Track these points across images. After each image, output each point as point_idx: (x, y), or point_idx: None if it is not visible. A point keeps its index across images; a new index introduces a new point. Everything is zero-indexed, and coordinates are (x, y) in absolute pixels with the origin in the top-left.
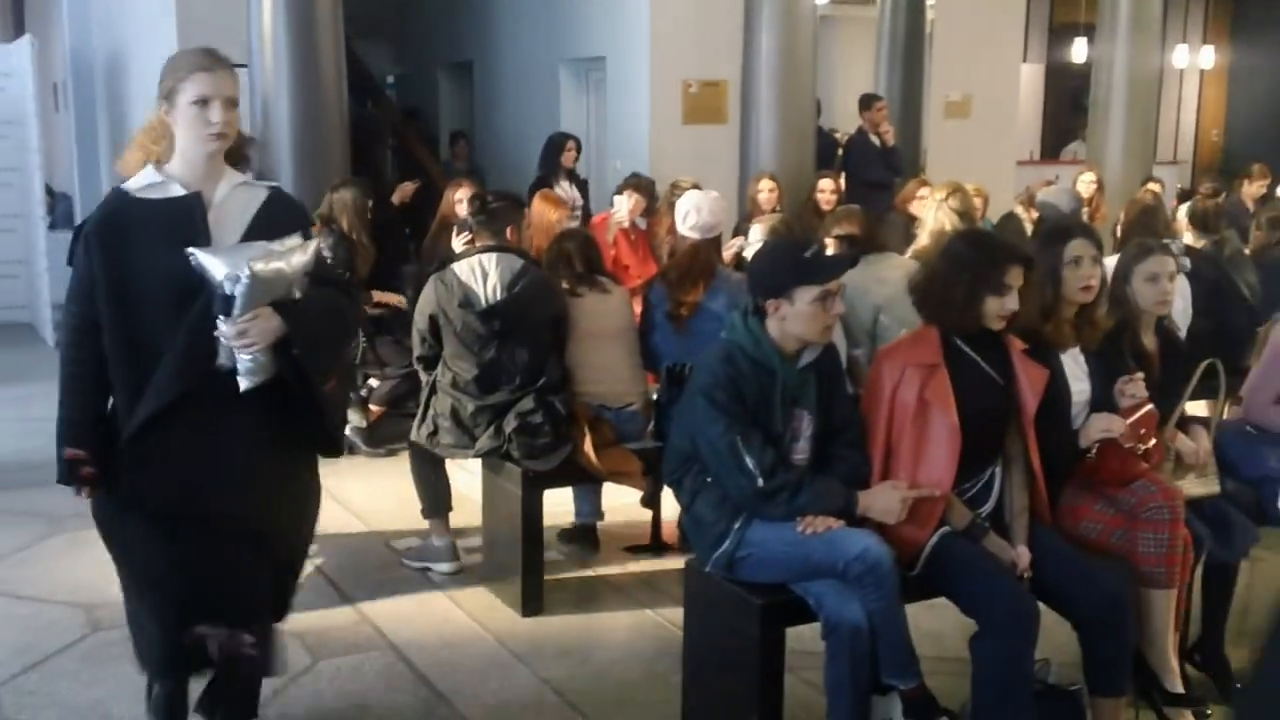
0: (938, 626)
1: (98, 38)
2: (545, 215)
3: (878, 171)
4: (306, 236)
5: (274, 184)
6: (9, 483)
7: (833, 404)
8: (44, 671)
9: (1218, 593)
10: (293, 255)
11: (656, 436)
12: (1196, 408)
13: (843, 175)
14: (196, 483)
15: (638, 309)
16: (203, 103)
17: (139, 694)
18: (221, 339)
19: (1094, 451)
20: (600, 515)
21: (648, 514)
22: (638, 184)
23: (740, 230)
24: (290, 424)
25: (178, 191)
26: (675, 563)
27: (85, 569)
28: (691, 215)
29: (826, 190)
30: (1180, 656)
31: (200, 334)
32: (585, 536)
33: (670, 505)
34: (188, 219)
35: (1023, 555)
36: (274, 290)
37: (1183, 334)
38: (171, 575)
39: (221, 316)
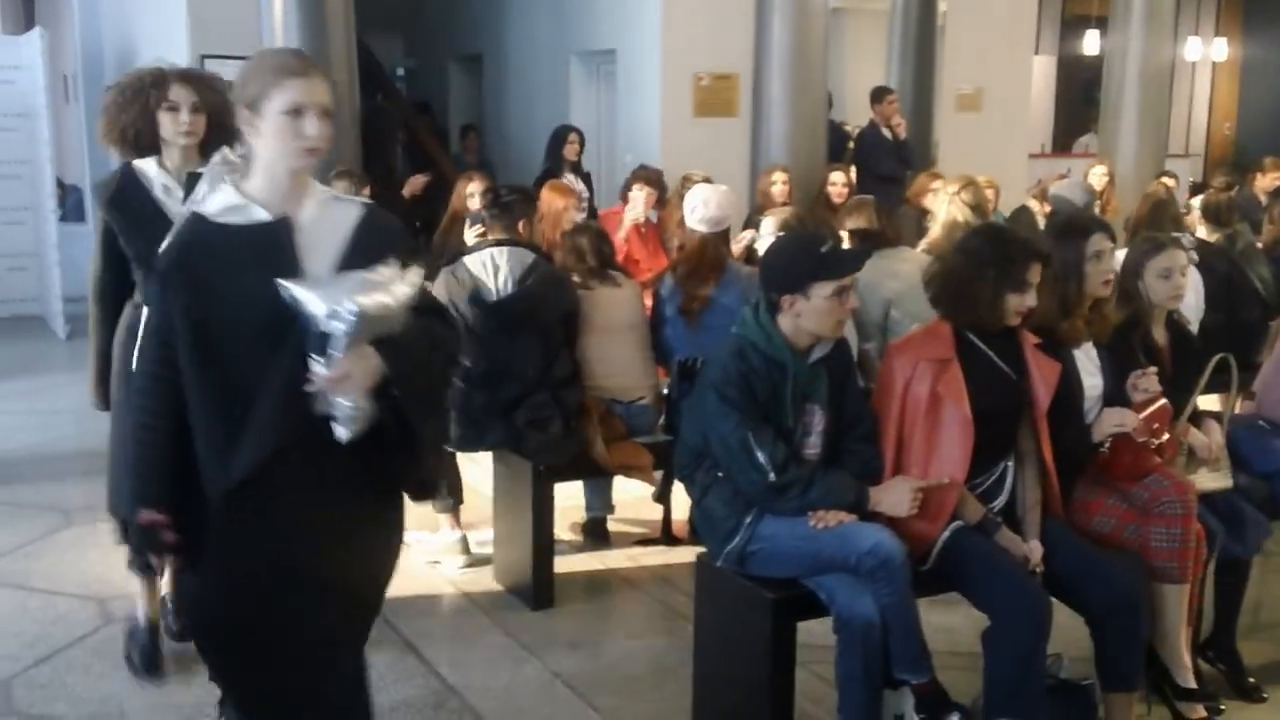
0: (949, 621)
1: (108, 30)
2: (552, 204)
3: (889, 165)
4: (404, 261)
5: (366, 200)
6: (20, 475)
7: (844, 399)
8: (55, 664)
9: (1230, 588)
10: (395, 286)
11: (667, 430)
12: (1208, 402)
13: (853, 169)
14: (293, 547)
15: (649, 303)
16: (295, 113)
17: (150, 688)
18: (317, 384)
19: (1107, 446)
20: (611, 509)
21: (658, 508)
22: (648, 176)
23: (751, 223)
24: (388, 471)
25: (262, 216)
26: (686, 556)
27: (97, 562)
28: (700, 209)
29: (838, 184)
30: (1192, 651)
31: (296, 378)
32: (596, 530)
33: (681, 499)
34: (275, 247)
35: (1035, 550)
36: (377, 327)
37: (1195, 328)
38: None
39: (316, 358)
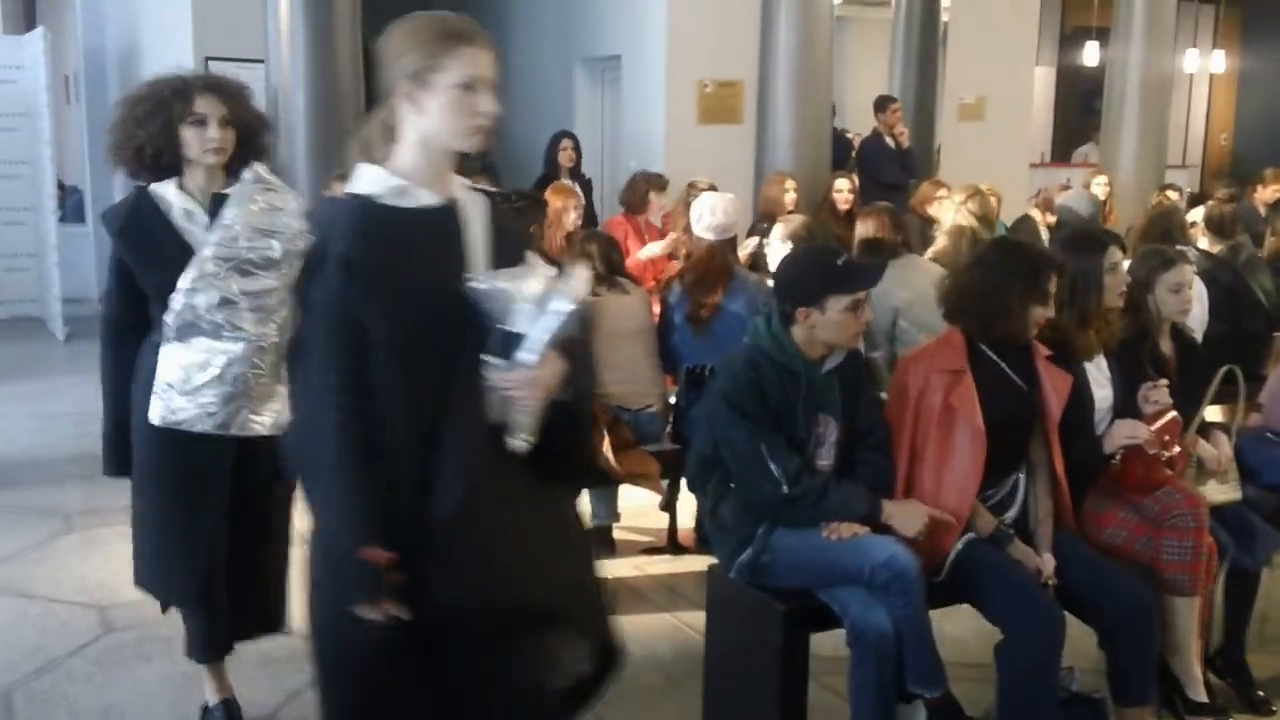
0: (958, 632)
1: (111, 30)
2: (554, 205)
3: (892, 173)
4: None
5: (489, 188)
6: (20, 479)
7: (857, 409)
8: (56, 674)
9: (1239, 600)
10: (575, 282)
11: (675, 439)
12: (1212, 413)
13: (855, 177)
14: (507, 578)
15: (656, 310)
16: (469, 86)
17: (153, 698)
18: (497, 389)
19: (1118, 458)
20: (617, 517)
21: (664, 516)
22: (656, 182)
23: (756, 230)
24: (561, 483)
25: (428, 199)
26: (693, 565)
27: (99, 568)
28: (706, 216)
29: (844, 190)
30: (1202, 664)
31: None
32: (601, 539)
33: (687, 507)
34: (448, 236)
35: (1047, 563)
36: (571, 327)
37: (1199, 338)
38: None
39: (499, 360)
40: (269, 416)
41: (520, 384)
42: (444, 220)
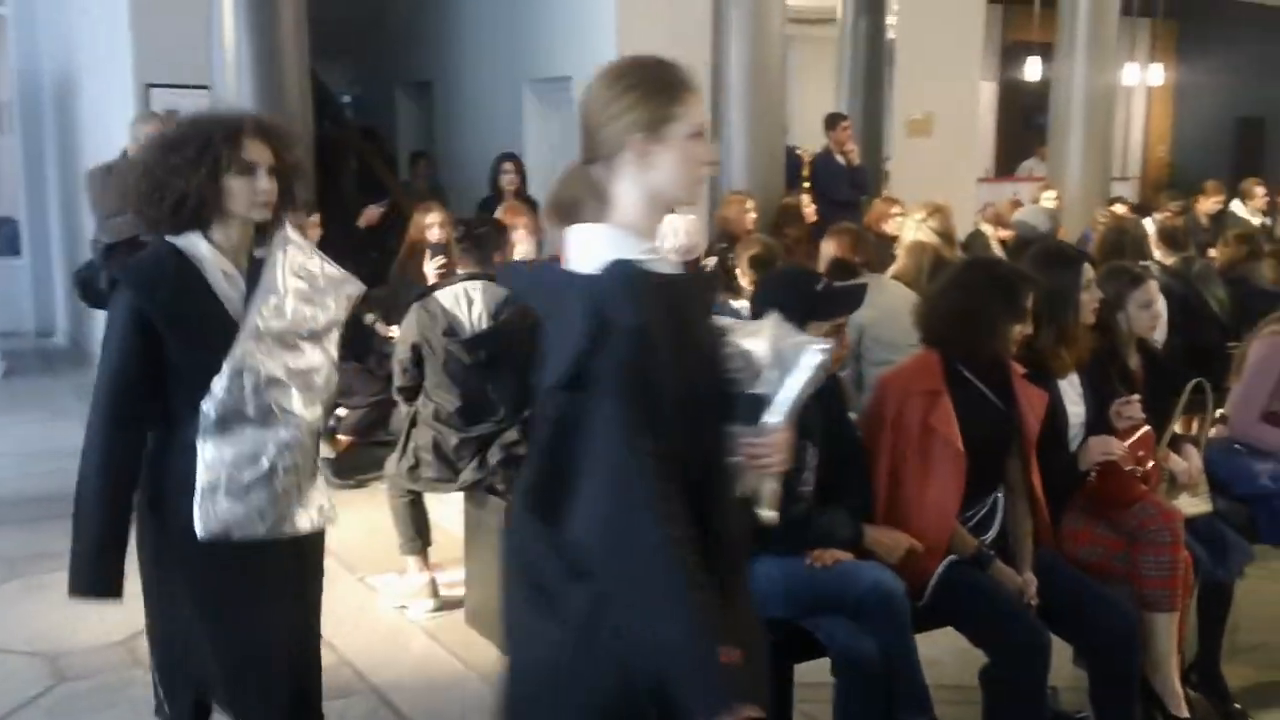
0: (934, 653)
1: (46, 57)
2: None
3: (844, 191)
4: None
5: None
6: None
7: (836, 433)
8: None
9: (1214, 613)
10: (794, 330)
11: None
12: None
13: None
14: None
15: None
16: (698, 135)
17: None
18: (746, 458)
19: (1093, 475)
20: None
21: None
22: None
23: (715, 251)
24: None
25: (672, 264)
26: None
27: (46, 615)
28: (669, 238)
29: (810, 206)
30: (1180, 679)
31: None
32: None
33: None
34: (705, 300)
35: (1029, 582)
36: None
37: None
38: None
39: (746, 427)
40: (316, 511)
41: (769, 450)
42: (699, 283)
